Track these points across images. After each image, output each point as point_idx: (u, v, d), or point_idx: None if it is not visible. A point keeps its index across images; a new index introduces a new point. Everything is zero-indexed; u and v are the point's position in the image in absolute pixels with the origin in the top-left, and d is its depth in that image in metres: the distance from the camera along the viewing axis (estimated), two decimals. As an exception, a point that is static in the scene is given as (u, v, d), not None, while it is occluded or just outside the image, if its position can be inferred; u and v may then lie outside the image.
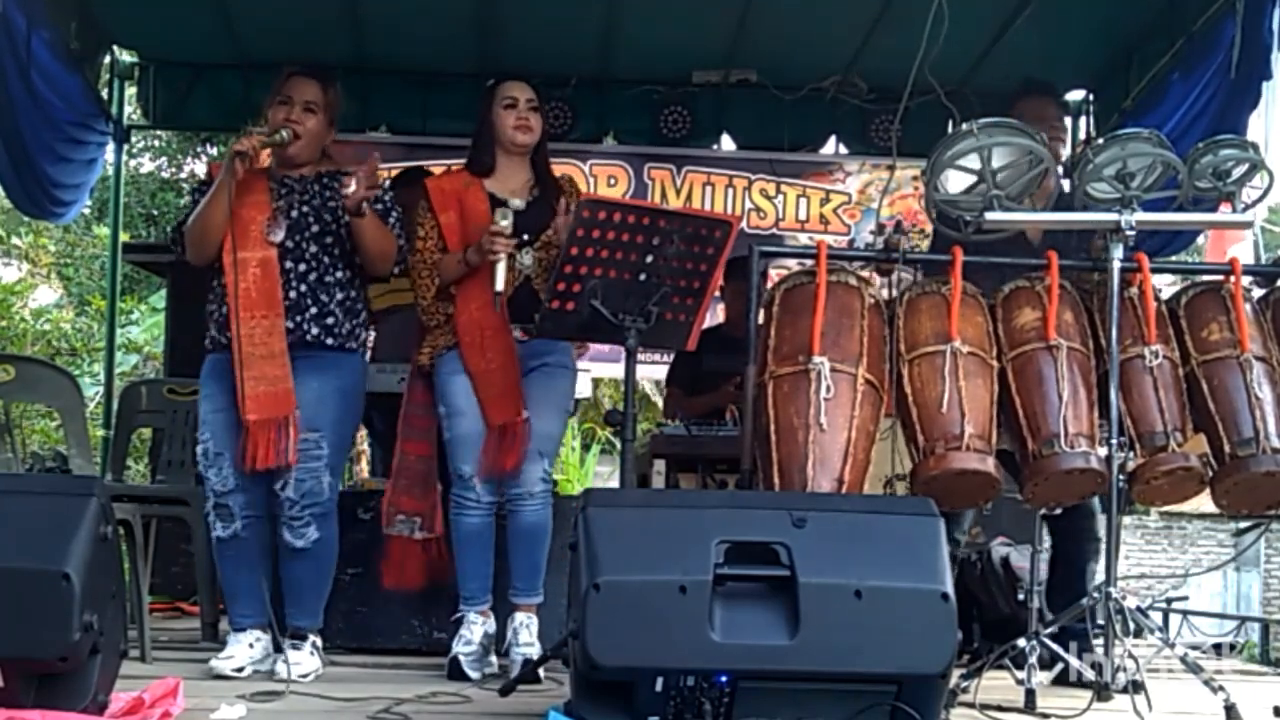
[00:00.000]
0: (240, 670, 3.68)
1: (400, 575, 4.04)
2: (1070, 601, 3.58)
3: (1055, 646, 3.41)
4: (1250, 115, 4.91)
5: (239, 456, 3.71)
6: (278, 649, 3.78)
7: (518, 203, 3.81)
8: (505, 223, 3.72)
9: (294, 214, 3.83)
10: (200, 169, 13.72)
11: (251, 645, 3.77)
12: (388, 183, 4.14)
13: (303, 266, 3.82)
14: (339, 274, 3.87)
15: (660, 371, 6.54)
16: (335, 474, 3.89)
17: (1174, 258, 5.73)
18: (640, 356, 3.81)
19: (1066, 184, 4.11)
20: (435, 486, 4.02)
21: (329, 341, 3.82)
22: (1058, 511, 3.72)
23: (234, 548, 3.79)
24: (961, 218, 3.57)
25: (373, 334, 4.57)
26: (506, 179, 3.97)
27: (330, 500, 3.85)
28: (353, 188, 3.70)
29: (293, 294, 3.79)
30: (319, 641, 3.88)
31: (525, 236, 3.87)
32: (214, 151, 13.24)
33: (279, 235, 3.80)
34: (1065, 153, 4.60)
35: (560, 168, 6.50)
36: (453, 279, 3.87)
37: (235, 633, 3.80)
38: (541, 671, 3.52)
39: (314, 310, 3.81)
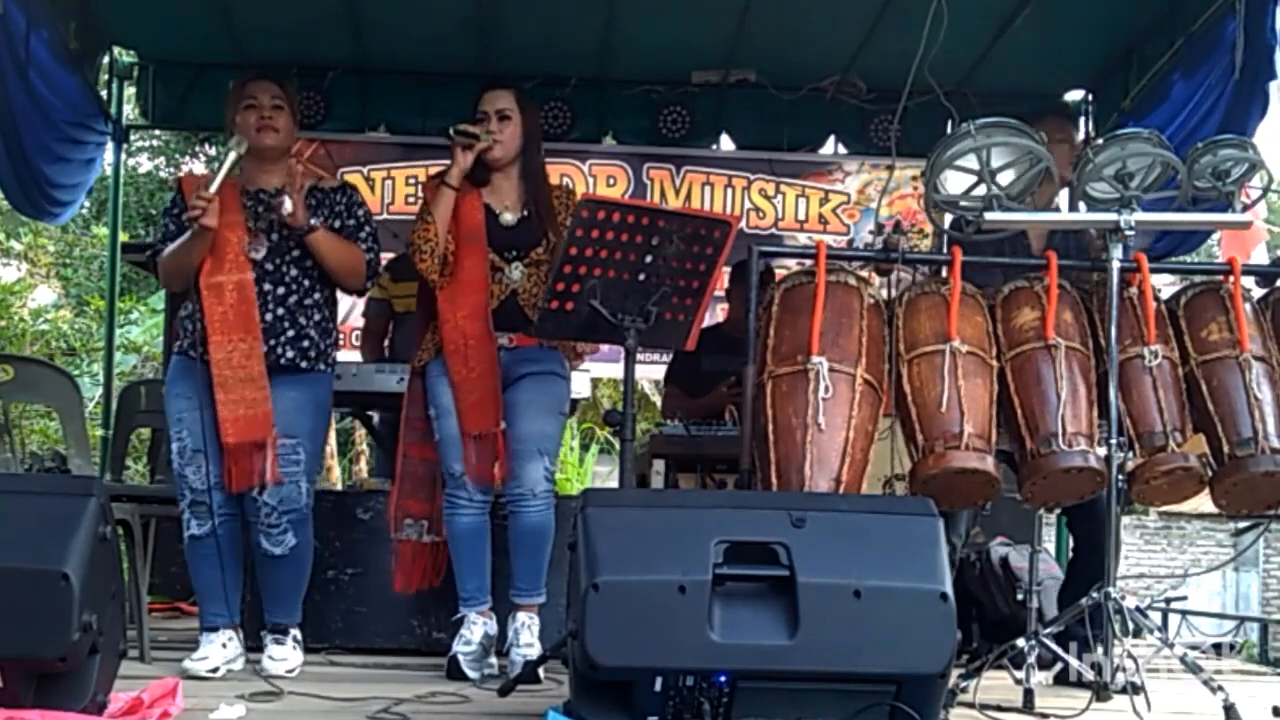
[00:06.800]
0: (215, 671, 3.68)
1: (411, 579, 4.04)
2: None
3: (1055, 647, 3.41)
4: (1259, 120, 4.86)
5: (222, 477, 3.72)
6: (253, 649, 3.83)
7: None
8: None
9: (274, 236, 3.82)
10: (199, 168, 13.72)
11: (224, 645, 3.77)
12: (343, 194, 4.03)
13: (281, 289, 3.83)
14: (317, 295, 3.89)
15: (659, 371, 6.53)
16: (310, 481, 3.90)
17: (1175, 258, 5.72)
18: (639, 356, 3.81)
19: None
20: (438, 488, 4.03)
21: (302, 365, 3.84)
22: (1057, 510, 3.72)
23: (209, 546, 3.77)
24: (962, 217, 3.57)
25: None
26: (499, 190, 3.96)
27: (307, 506, 3.86)
28: (289, 207, 3.72)
29: (269, 316, 3.80)
30: (299, 635, 3.90)
31: (515, 252, 3.89)
32: (212, 151, 13.24)
33: (260, 252, 3.80)
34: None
35: (559, 168, 6.55)
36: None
37: (207, 632, 3.79)
38: (541, 671, 3.52)
39: (290, 334, 3.82)
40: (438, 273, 3.85)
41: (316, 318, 3.88)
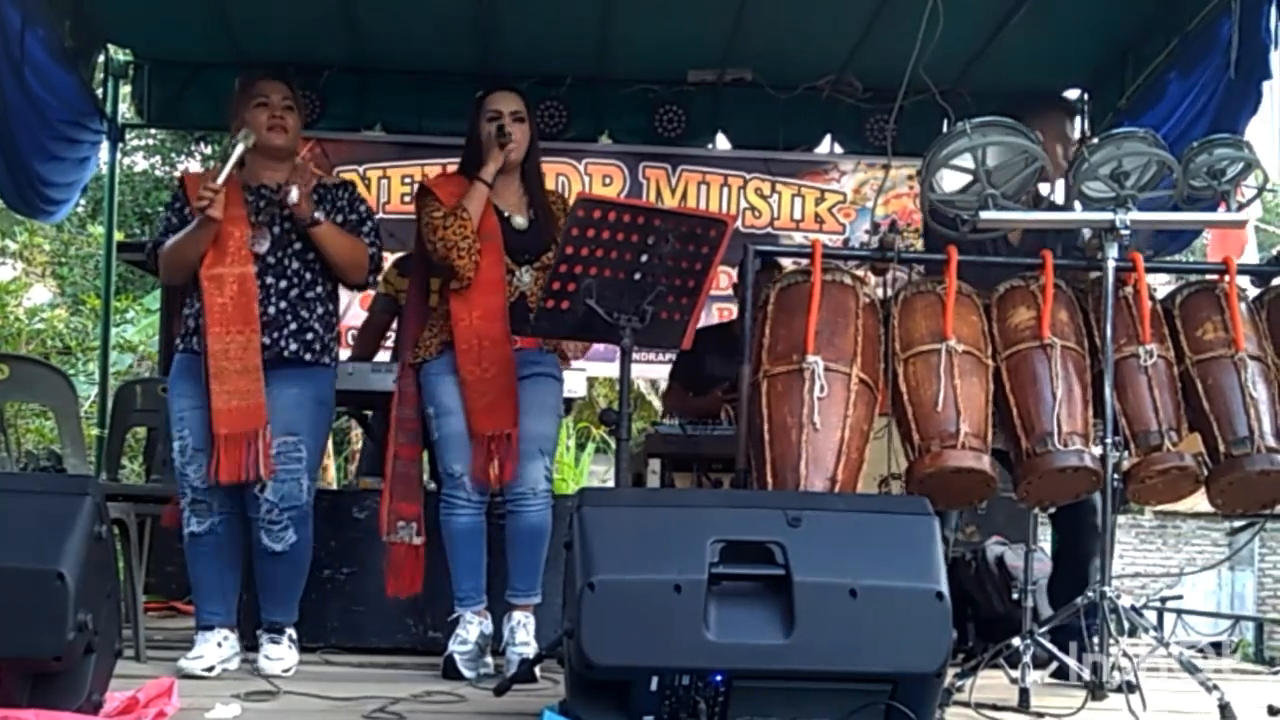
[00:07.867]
0: (210, 670, 3.67)
1: (402, 582, 4.01)
2: (1075, 597, 3.58)
3: (1050, 645, 3.41)
4: (1250, 118, 4.88)
5: (210, 467, 3.71)
6: (248, 648, 3.84)
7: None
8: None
9: (276, 230, 3.83)
10: (195, 167, 13.71)
11: (220, 644, 3.77)
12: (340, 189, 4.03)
13: (284, 283, 3.83)
14: (319, 289, 3.89)
15: (655, 371, 6.53)
16: (312, 478, 3.90)
17: (1170, 257, 5.73)
18: (636, 356, 3.81)
19: (1045, 188, 4.09)
20: (423, 488, 4.02)
21: (306, 357, 3.83)
22: (1051, 510, 3.72)
23: (209, 544, 3.79)
24: (958, 216, 3.57)
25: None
26: (503, 193, 3.95)
27: (308, 503, 3.86)
28: (294, 197, 3.73)
29: (271, 309, 3.80)
30: (294, 634, 3.90)
31: (527, 255, 3.90)
32: (208, 150, 13.23)
33: (264, 246, 3.80)
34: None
35: (555, 167, 6.55)
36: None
37: (203, 631, 3.79)
38: (537, 670, 3.52)
39: (293, 326, 3.82)
40: (473, 270, 3.82)
41: (319, 311, 3.88)
